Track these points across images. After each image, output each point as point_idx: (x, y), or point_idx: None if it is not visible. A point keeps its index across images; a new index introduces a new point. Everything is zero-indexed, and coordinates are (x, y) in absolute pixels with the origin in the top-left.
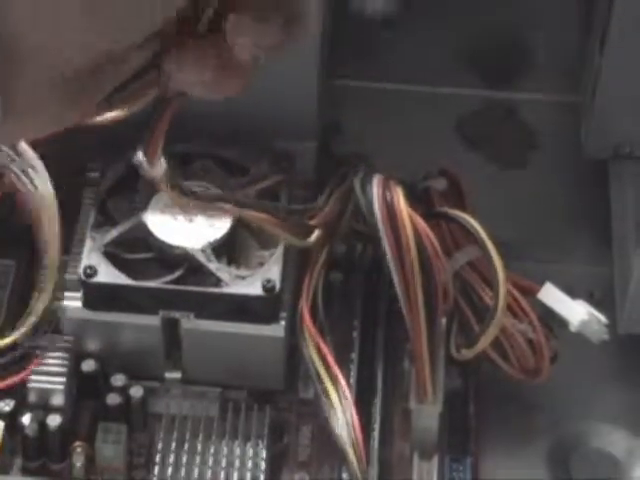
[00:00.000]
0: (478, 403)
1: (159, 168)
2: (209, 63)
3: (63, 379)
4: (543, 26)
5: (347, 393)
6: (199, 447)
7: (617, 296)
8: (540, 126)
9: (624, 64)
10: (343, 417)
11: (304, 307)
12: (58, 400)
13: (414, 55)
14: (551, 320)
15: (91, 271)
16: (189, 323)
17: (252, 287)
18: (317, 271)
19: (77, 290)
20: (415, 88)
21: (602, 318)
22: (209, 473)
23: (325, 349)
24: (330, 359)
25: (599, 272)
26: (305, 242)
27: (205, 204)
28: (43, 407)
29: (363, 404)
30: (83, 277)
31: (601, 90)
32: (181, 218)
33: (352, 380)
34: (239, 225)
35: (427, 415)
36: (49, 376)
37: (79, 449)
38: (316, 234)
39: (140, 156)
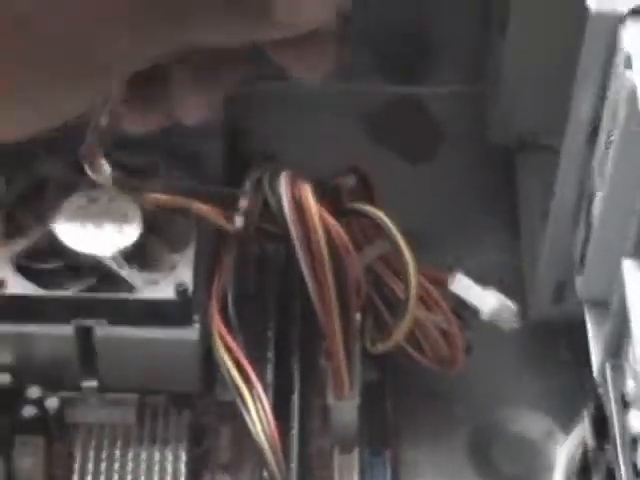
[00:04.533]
0: (395, 396)
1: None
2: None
3: None
4: (444, 17)
5: (261, 393)
6: (118, 454)
7: (527, 284)
8: (447, 118)
9: (526, 47)
10: (258, 417)
11: (214, 308)
12: None
13: None
14: (463, 310)
15: None
16: (103, 330)
17: (164, 291)
18: (226, 271)
19: None
20: (320, 87)
21: (512, 305)
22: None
23: (237, 350)
24: (243, 360)
25: (508, 261)
26: (233, 226)
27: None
28: None
29: (281, 403)
30: None
31: (504, 76)
32: (90, 226)
33: (269, 379)
34: (149, 230)
35: (345, 410)
36: None
37: None
38: (241, 218)
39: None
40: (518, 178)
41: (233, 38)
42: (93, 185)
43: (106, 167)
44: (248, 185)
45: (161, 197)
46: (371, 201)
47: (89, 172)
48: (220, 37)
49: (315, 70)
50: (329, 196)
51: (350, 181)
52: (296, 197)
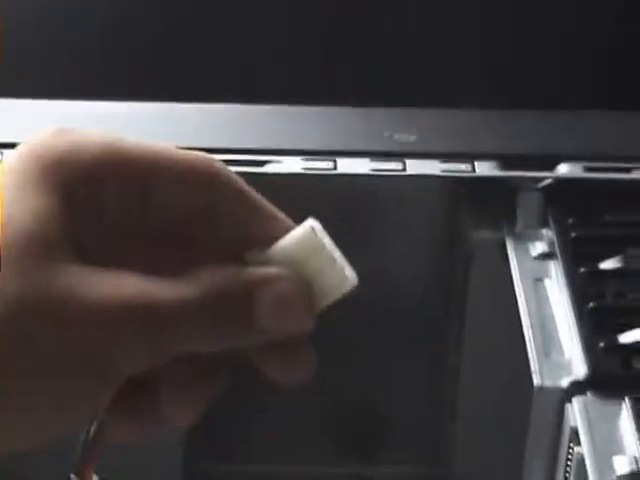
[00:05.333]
0: None
1: None
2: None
3: None
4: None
5: None
6: None
7: None
8: None
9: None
10: None
11: None
12: None
13: (278, 436)
14: None
15: None
16: None
17: None
18: None
19: None
20: (280, 468)
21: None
22: None
23: None
24: None
25: None
26: None
27: None
28: None
29: None
30: None
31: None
32: None
33: None
34: None
35: None
36: None
37: None
38: None
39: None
40: None
41: (217, 345)
42: None
43: None
44: None
45: None
46: None
47: None
48: (204, 345)
49: (294, 374)
50: None
51: None
52: None
